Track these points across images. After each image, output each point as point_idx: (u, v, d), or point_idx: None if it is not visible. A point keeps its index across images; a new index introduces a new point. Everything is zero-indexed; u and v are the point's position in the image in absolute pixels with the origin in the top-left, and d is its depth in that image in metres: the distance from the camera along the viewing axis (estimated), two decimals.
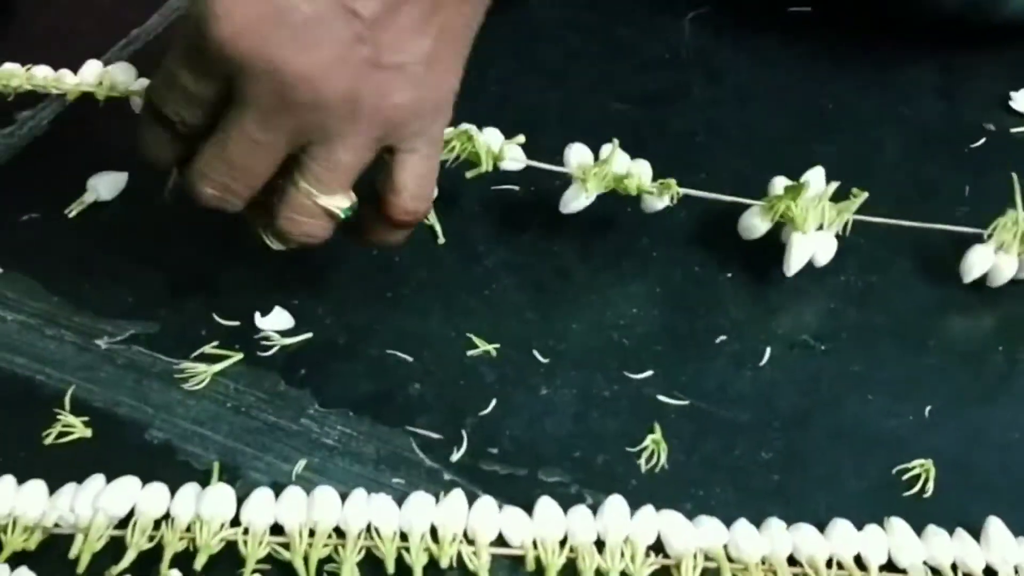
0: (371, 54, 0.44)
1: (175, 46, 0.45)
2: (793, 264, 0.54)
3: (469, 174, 0.56)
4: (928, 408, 0.52)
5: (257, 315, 0.55)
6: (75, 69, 0.60)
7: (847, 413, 0.53)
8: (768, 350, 0.55)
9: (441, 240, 0.57)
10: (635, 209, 0.58)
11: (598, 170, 0.55)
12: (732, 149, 0.66)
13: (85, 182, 0.62)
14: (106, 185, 0.62)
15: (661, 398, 0.53)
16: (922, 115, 0.67)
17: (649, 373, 0.54)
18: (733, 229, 0.57)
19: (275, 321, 0.56)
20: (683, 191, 0.56)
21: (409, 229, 0.51)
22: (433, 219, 0.58)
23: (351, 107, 0.45)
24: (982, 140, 0.64)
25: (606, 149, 0.56)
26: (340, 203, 0.47)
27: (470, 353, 0.55)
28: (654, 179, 0.56)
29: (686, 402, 0.53)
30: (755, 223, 0.55)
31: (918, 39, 0.71)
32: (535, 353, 0.55)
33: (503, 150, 0.56)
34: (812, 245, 0.54)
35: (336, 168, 0.46)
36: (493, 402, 0.53)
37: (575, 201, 0.55)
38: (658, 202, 0.56)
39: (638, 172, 0.56)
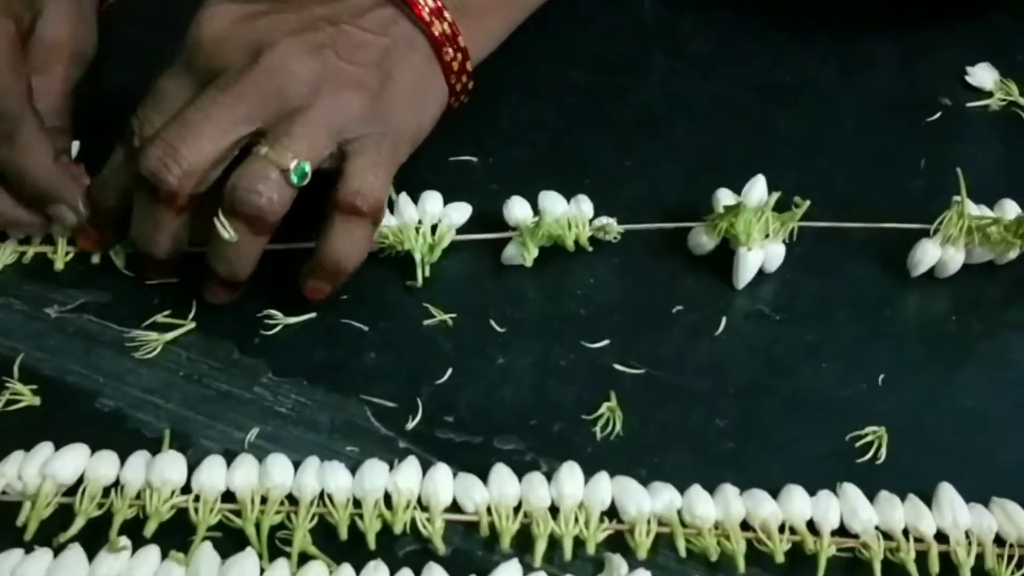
0: (333, 49, 0.50)
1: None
2: (742, 278, 0.55)
3: (409, 282, 0.55)
4: (881, 376, 0.52)
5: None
6: None
7: (802, 382, 0.53)
8: (724, 320, 0.55)
9: (419, 284, 0.56)
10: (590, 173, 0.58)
11: (534, 228, 0.54)
12: (692, 119, 0.65)
13: None
14: None
15: (617, 367, 0.53)
16: (880, 88, 0.67)
17: (606, 342, 0.54)
18: (691, 201, 0.58)
19: None
20: (622, 228, 0.56)
21: (335, 281, 0.53)
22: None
23: (313, 86, 0.49)
24: (938, 114, 0.65)
25: (544, 198, 0.56)
26: (294, 166, 0.48)
27: (426, 322, 0.55)
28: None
29: (642, 371, 0.53)
30: (703, 241, 0.56)
31: (877, 13, 0.71)
32: (492, 323, 0.55)
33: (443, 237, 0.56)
34: (759, 257, 0.54)
35: (293, 137, 0.49)
36: (449, 371, 0.53)
37: (517, 259, 0.56)
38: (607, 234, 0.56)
39: (576, 218, 0.55)
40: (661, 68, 0.69)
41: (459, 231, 0.57)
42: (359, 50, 0.51)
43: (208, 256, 0.51)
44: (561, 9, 0.71)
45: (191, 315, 0.54)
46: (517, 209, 0.56)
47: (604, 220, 0.56)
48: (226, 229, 0.49)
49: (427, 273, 0.55)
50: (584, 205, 0.56)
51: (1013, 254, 0.54)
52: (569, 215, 0.56)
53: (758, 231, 0.54)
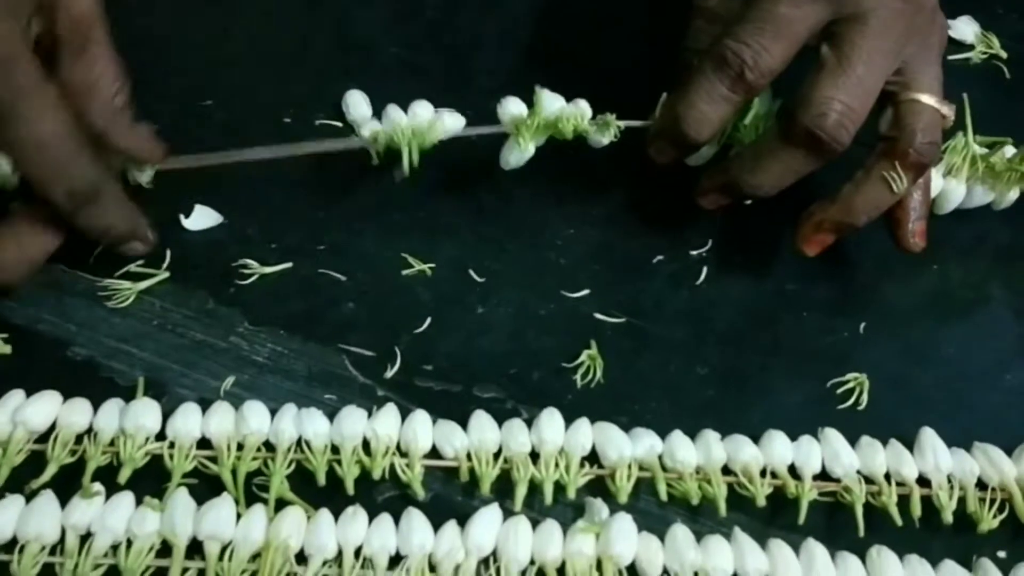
0: None
1: None
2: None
3: (397, 176, 0.53)
4: (863, 324, 0.52)
5: (182, 217, 0.54)
6: None
7: (782, 330, 0.52)
8: (705, 269, 0.54)
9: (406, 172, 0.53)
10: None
11: (529, 121, 0.52)
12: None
13: None
14: None
15: (598, 316, 0.53)
16: None
17: (586, 292, 0.53)
18: None
19: (202, 219, 0.54)
20: (623, 123, 0.54)
21: None
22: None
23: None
24: None
25: (540, 95, 0.53)
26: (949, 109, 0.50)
27: (405, 272, 0.54)
28: (597, 110, 0.54)
29: (622, 319, 0.52)
30: (701, 151, 0.54)
31: None
32: (471, 272, 0.54)
33: (434, 127, 0.53)
34: None
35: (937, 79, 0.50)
36: (428, 320, 0.52)
37: (513, 156, 0.53)
38: (603, 138, 0.54)
39: (575, 113, 0.53)
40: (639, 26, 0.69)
41: None
42: None
43: (743, 173, 0.51)
44: None
45: (164, 265, 0.53)
46: (512, 105, 0.53)
47: (605, 117, 0.53)
48: (900, 180, 0.49)
49: (415, 163, 0.52)
50: (582, 104, 0.53)
51: (1014, 195, 0.53)
52: (567, 112, 0.53)
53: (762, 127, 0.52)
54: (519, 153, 0.52)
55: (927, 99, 0.49)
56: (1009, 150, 0.53)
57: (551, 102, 0.52)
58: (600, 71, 0.64)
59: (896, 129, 0.49)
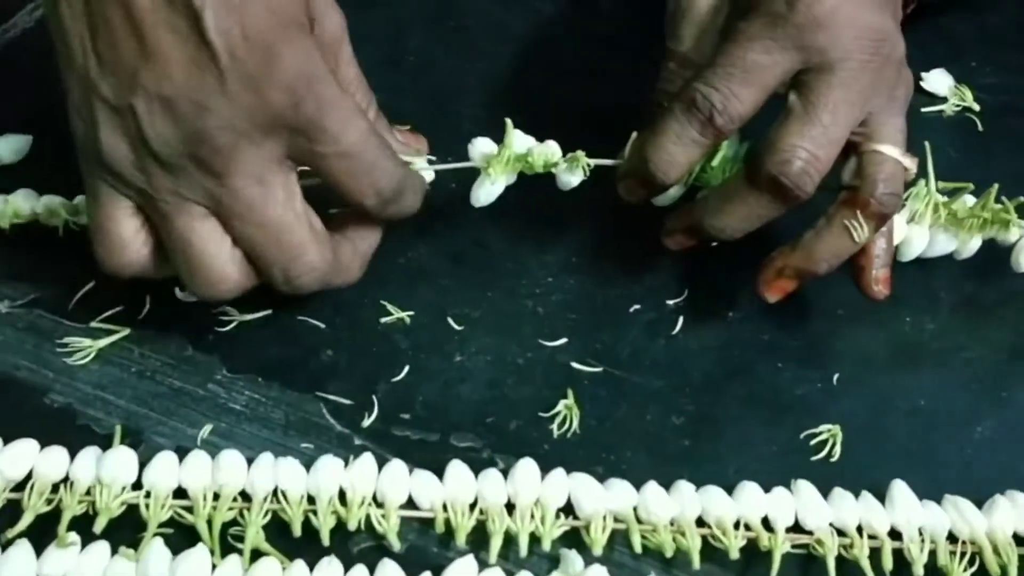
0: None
1: None
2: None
3: None
4: (836, 375, 0.53)
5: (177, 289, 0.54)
6: None
7: (757, 380, 0.53)
8: (681, 319, 0.55)
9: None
10: (551, 181, 0.57)
11: (499, 156, 0.52)
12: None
13: None
14: (8, 148, 0.60)
15: (575, 365, 0.53)
16: None
17: (563, 340, 0.54)
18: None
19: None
20: (593, 162, 0.55)
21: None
22: None
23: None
24: None
25: (510, 133, 0.53)
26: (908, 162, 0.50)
27: (383, 320, 0.54)
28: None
29: (599, 369, 0.53)
30: (669, 192, 0.55)
31: None
32: (450, 320, 0.54)
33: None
34: None
35: (899, 130, 0.51)
36: (406, 368, 0.52)
37: (482, 190, 0.53)
38: (572, 178, 0.54)
39: (545, 151, 0.54)
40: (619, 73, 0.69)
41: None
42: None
43: (707, 215, 0.51)
44: (520, 13, 0.72)
45: (144, 311, 0.53)
46: (482, 144, 0.53)
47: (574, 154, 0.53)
48: (861, 229, 0.49)
49: None
50: (552, 144, 0.53)
51: (975, 244, 0.54)
52: (537, 150, 0.53)
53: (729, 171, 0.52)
54: (489, 187, 0.52)
55: (890, 150, 0.50)
56: (970, 198, 0.54)
57: (521, 139, 0.53)
58: (582, 117, 0.64)
59: (858, 179, 0.50)
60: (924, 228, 0.54)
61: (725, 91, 0.48)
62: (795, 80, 0.49)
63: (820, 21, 0.48)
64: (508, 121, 0.52)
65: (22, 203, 0.55)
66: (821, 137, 0.48)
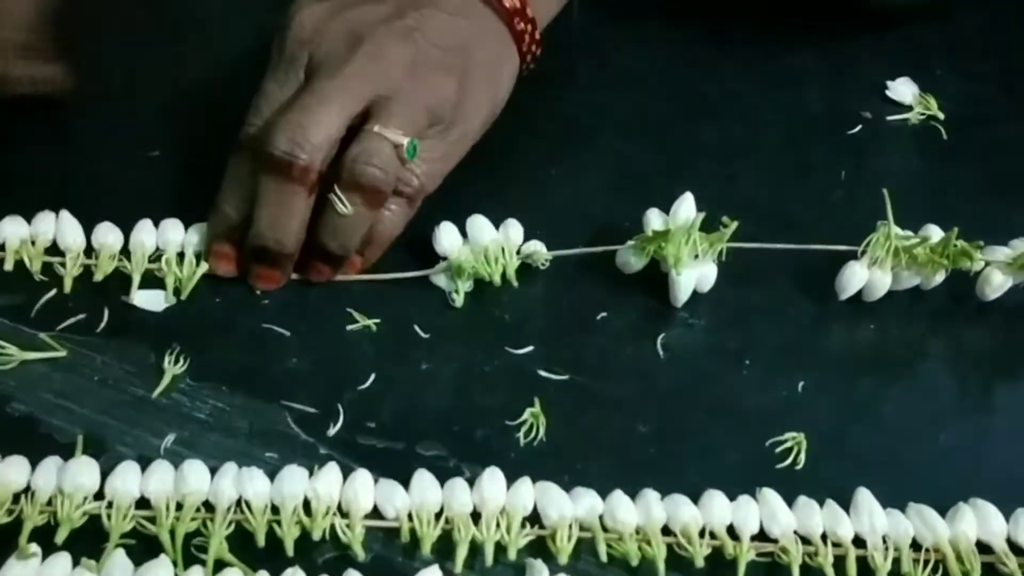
0: (421, 32, 0.55)
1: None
2: (679, 298, 0.55)
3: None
4: (801, 383, 0.53)
5: (133, 290, 0.54)
6: None
7: (723, 389, 0.53)
8: (647, 327, 0.55)
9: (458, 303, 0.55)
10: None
11: (465, 263, 0.55)
12: (617, 131, 0.66)
13: None
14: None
15: (542, 373, 0.53)
16: (802, 101, 0.68)
17: (530, 348, 0.54)
18: (617, 214, 0.58)
19: (150, 299, 0.54)
20: (552, 254, 0.56)
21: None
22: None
23: (408, 69, 0.53)
24: (859, 127, 0.66)
25: (472, 226, 0.56)
26: (406, 143, 0.52)
27: (350, 328, 0.54)
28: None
29: (566, 377, 0.53)
30: (631, 261, 0.55)
31: (798, 27, 0.72)
32: (416, 328, 0.54)
33: None
34: (692, 277, 0.54)
35: (398, 116, 0.53)
36: (372, 376, 0.52)
37: (447, 286, 0.56)
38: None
39: (505, 249, 0.56)
40: (587, 80, 0.70)
41: None
42: (443, 33, 0.55)
43: (319, 235, 0.54)
44: None
45: (104, 321, 0.53)
46: (446, 238, 0.56)
47: (533, 246, 0.56)
48: (342, 203, 0.52)
49: None
50: (512, 231, 0.56)
51: (939, 278, 0.55)
52: (498, 242, 0.56)
53: (687, 253, 0.54)
54: (454, 296, 0.56)
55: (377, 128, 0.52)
56: (934, 229, 0.55)
57: (481, 233, 0.56)
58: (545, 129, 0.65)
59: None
60: (887, 272, 0.55)
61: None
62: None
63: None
64: (470, 220, 0.56)
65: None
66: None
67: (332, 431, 0.50)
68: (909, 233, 0.55)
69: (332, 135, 0.52)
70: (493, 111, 0.58)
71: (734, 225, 0.54)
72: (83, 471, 0.46)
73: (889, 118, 0.66)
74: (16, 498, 0.46)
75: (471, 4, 0.57)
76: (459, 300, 0.55)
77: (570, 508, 0.47)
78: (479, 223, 0.56)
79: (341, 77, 0.52)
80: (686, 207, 0.55)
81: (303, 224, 0.53)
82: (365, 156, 0.52)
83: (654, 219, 0.56)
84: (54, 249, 0.55)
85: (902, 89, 0.67)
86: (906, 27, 0.72)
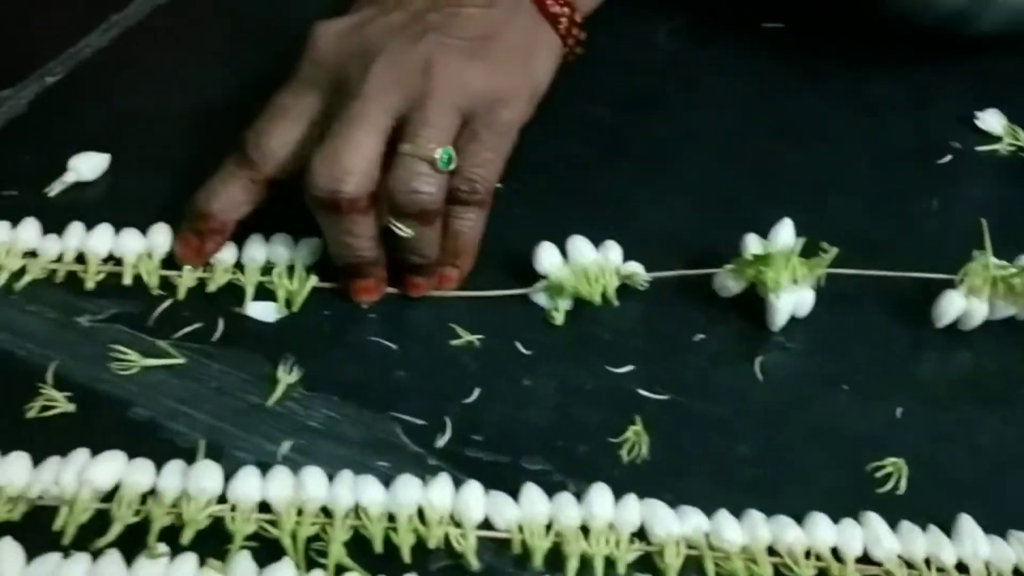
0: (439, 32, 0.54)
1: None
2: (777, 322, 0.56)
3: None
4: (899, 410, 0.54)
5: (247, 301, 0.56)
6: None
7: (821, 413, 0.54)
8: (745, 349, 0.56)
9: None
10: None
11: (565, 281, 0.56)
12: (706, 155, 0.67)
13: (66, 163, 0.62)
14: (88, 165, 0.62)
15: (641, 392, 0.54)
16: (889, 130, 0.69)
17: (630, 368, 0.55)
18: (709, 238, 0.59)
19: (262, 311, 0.56)
20: (650, 276, 0.57)
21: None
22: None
23: (425, 70, 0.53)
24: (948, 157, 0.66)
25: (573, 246, 0.57)
26: (438, 155, 0.52)
27: (453, 343, 0.55)
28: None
29: (666, 397, 0.54)
30: (729, 285, 0.57)
31: (887, 57, 0.73)
32: (518, 345, 0.56)
33: None
34: (791, 302, 0.56)
35: (425, 126, 0.52)
36: (476, 391, 0.53)
37: (549, 304, 0.57)
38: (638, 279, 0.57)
39: (605, 270, 0.57)
40: (676, 104, 0.71)
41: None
42: (466, 25, 0.55)
43: (399, 255, 0.55)
44: None
45: (219, 329, 0.55)
46: (546, 258, 0.57)
47: (632, 267, 0.57)
48: (401, 229, 0.53)
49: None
50: (612, 253, 0.57)
51: None
52: (598, 262, 0.57)
53: (787, 278, 0.55)
54: (554, 315, 0.57)
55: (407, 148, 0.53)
56: None
57: (582, 254, 0.57)
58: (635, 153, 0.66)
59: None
60: (984, 302, 0.55)
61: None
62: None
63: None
64: (570, 241, 0.57)
65: None
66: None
67: (440, 443, 0.51)
68: (1005, 263, 0.56)
69: (369, 155, 0.52)
70: (534, 94, 0.58)
71: (834, 251, 0.55)
72: (207, 474, 0.47)
73: (978, 148, 0.67)
74: (142, 499, 0.47)
75: None
76: (559, 318, 0.56)
77: (677, 525, 0.48)
78: (579, 243, 0.58)
79: (362, 97, 0.52)
80: (785, 232, 0.57)
81: (374, 237, 0.54)
82: (403, 184, 0.52)
83: (752, 243, 0.57)
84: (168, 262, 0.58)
85: (991, 120, 0.68)
86: (988, 57, 0.73)
